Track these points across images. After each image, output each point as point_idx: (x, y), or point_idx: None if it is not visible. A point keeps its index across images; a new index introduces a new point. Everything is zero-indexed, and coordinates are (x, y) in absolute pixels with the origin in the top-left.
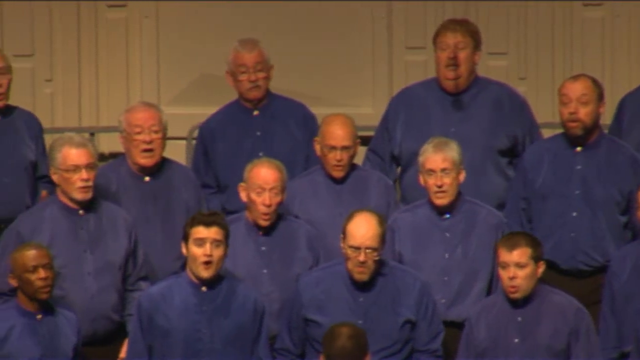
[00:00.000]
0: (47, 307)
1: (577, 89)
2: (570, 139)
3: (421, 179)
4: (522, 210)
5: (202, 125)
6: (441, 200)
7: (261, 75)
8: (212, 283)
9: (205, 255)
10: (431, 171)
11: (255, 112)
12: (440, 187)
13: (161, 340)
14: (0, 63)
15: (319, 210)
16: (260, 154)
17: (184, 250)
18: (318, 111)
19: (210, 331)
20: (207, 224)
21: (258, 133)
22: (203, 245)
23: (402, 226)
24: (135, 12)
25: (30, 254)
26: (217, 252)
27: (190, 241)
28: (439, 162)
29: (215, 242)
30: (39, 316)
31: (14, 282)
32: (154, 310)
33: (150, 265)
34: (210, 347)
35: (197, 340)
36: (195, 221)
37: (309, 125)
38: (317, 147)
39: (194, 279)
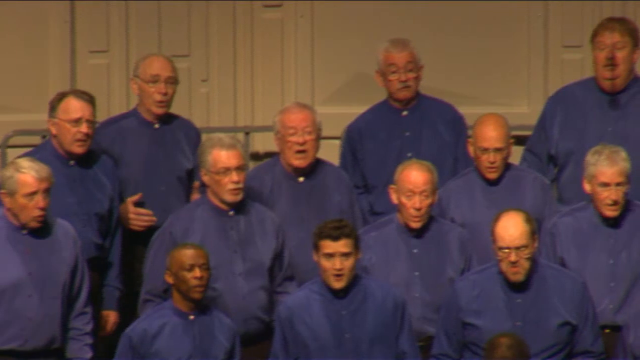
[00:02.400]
0: (202, 309)
1: None
2: None
3: (587, 187)
4: None
5: (350, 125)
6: (614, 213)
7: (411, 75)
8: (347, 287)
9: (335, 269)
10: (605, 185)
11: (404, 113)
12: (615, 200)
13: (306, 350)
14: (170, 73)
15: (474, 212)
16: (409, 154)
17: (315, 257)
18: (473, 110)
19: (352, 334)
20: (335, 238)
21: (407, 134)
22: (332, 259)
23: (563, 231)
24: (291, 12)
25: (188, 253)
26: (347, 264)
27: (320, 253)
28: (614, 176)
29: (344, 255)
30: (192, 317)
31: (170, 280)
32: (295, 321)
33: (301, 266)
34: (356, 349)
35: (341, 346)
36: (324, 234)
37: (457, 127)
38: (471, 149)
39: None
